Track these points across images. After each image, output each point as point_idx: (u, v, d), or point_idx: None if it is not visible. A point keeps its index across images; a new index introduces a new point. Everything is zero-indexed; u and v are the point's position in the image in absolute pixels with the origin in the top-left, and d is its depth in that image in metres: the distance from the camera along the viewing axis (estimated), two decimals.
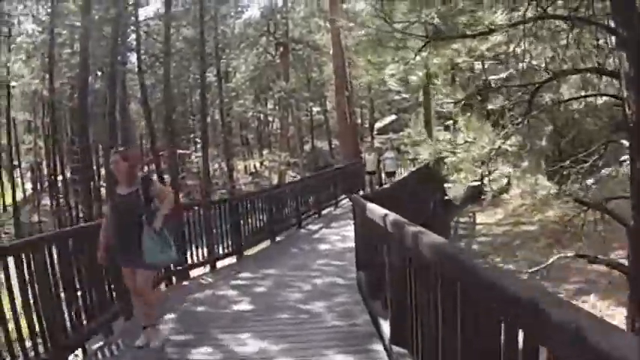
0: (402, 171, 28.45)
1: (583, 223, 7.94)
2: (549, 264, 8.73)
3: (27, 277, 5.52)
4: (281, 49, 42.87)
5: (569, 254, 8.65)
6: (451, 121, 40.42)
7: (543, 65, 7.49)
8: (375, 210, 6.36)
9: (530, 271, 8.77)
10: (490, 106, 7.44)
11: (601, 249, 13.32)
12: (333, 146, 49.23)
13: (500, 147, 6.82)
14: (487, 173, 7.40)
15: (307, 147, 48.79)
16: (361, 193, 22.14)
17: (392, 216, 5.22)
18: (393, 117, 51.19)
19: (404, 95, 50.97)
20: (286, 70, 42.50)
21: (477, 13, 6.27)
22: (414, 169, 20.14)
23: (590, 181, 8.30)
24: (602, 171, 9.52)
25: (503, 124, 7.00)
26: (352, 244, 11.83)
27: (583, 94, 7.42)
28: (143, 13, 55.94)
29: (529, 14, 6.19)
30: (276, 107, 46.41)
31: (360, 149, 35.90)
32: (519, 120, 6.87)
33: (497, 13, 6.06)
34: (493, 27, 6.15)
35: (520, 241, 16.86)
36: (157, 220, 6.16)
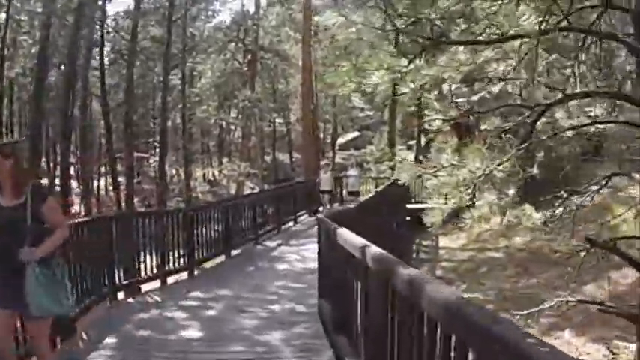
0: (364, 189, 28.08)
1: (582, 262, 7.28)
2: (545, 308, 8.05)
3: None
4: (249, 56, 42.16)
5: (570, 298, 7.98)
6: (414, 141, 40.34)
7: (545, 83, 6.88)
8: (350, 238, 5.61)
9: (522, 313, 8.09)
10: (484, 127, 6.76)
11: (572, 279, 12.91)
12: (293, 159, 48.70)
13: (490, 172, 6.14)
14: (470, 200, 6.70)
15: (268, 158, 48.20)
16: (321, 210, 21.48)
17: (373, 249, 4.47)
18: (356, 133, 51.06)
19: (368, 112, 51.00)
20: (252, 79, 41.83)
21: (496, 16, 5.56)
22: (379, 189, 19.64)
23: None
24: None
25: (500, 148, 6.33)
26: (312, 265, 11.09)
27: (583, 120, 6.80)
28: (112, 8, 55.09)
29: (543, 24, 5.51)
30: (239, 116, 45.62)
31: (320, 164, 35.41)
32: (518, 144, 6.21)
33: (524, 17, 5.35)
34: (515, 34, 5.47)
35: (486, 268, 16.39)
36: (42, 247, 4.50)
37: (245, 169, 38.62)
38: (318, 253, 8.84)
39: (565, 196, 7.07)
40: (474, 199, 6.87)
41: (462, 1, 5.53)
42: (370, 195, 17.88)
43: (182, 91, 37.17)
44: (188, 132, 41.48)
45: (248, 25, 42.44)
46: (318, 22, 34.44)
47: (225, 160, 47.91)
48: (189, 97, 40.25)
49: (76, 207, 33.81)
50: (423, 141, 42.10)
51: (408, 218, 21.55)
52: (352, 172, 24.44)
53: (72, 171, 34.92)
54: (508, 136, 6.45)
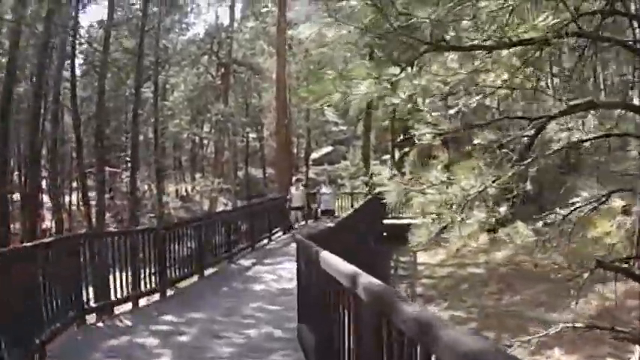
0: (339, 204, 27.69)
1: (583, 283, 6.95)
2: (550, 334, 7.71)
3: None
4: (222, 69, 41.68)
5: (577, 325, 7.64)
6: (388, 156, 40.16)
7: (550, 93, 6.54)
8: (335, 263, 5.19)
9: (524, 339, 7.76)
10: (477, 141, 6.39)
11: (560, 296, 12.66)
12: (267, 174, 48.28)
13: (485, 189, 5.78)
14: (460, 219, 6.33)
15: (240, 174, 47.67)
16: (296, 227, 21.00)
17: (366, 279, 4.03)
18: (330, 148, 50.86)
19: (341, 127, 50.83)
20: (226, 92, 41.36)
21: (500, 17, 5.17)
22: (356, 206, 19.33)
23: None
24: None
25: (497, 163, 5.97)
26: (289, 286, 10.77)
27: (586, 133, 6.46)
28: (86, 19, 54.45)
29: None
30: (212, 130, 45.06)
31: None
32: (516, 159, 5.85)
33: (540, 18, 4.97)
34: (521, 39, 5.11)
35: (467, 284, 16.12)
36: None
37: (218, 185, 38.05)
38: (297, 275, 8.45)
39: (561, 211, 6.73)
40: (464, 218, 6.51)
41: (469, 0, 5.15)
42: (348, 213, 17.45)
43: (154, 105, 36.51)
44: (160, 146, 40.84)
45: (222, 38, 41.97)
46: (292, 35, 34.32)
47: (198, 175, 47.22)
48: (161, 110, 39.66)
49: (47, 222, 33.11)
50: (397, 155, 42.17)
51: (384, 234, 21.25)
52: (325, 189, 23.74)
53: (43, 185, 34.05)
54: (504, 150, 6.09)
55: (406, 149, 41.59)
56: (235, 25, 44.55)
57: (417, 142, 6.86)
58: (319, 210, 23.49)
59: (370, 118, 39.40)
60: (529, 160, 5.95)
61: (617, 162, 16.86)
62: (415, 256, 20.38)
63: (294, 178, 22.92)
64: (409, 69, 5.30)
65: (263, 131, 49.02)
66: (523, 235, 7.04)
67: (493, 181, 5.75)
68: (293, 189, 21.62)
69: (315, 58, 40.73)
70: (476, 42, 5.47)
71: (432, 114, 5.95)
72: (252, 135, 50.21)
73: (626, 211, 14.40)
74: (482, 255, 17.84)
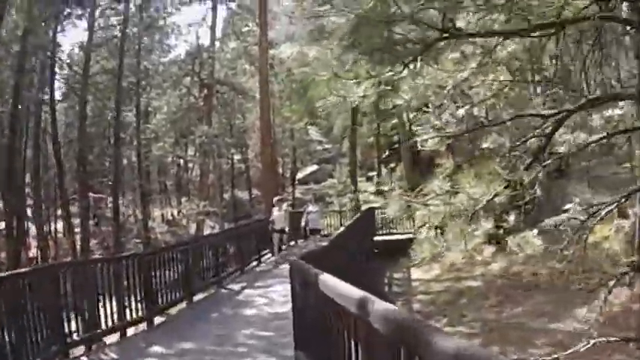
0: (327, 222, 27.42)
1: (609, 291, 6.51)
2: (581, 349, 7.24)
3: None
4: (205, 90, 41.20)
5: (611, 338, 7.19)
6: (375, 172, 39.97)
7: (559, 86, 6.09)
8: (339, 287, 4.71)
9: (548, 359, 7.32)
10: (486, 144, 5.94)
11: (562, 305, 12.32)
12: (253, 195, 47.89)
13: (496, 196, 5.32)
14: (467, 230, 5.88)
15: (226, 196, 47.22)
16: (283, 248, 20.54)
17: (380, 305, 3.54)
18: (315, 167, 50.67)
19: (326, 145, 50.65)
20: (209, 114, 40.91)
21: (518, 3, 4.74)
22: (347, 224, 18.99)
23: None
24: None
25: (512, 167, 5.51)
26: (282, 310, 10.35)
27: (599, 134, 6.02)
28: (67, 42, 53.95)
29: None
30: (197, 153, 44.57)
31: None
32: (529, 161, 5.39)
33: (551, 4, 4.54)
34: (539, 23, 4.67)
35: (466, 298, 15.72)
36: None
37: (204, 208, 37.53)
38: (292, 298, 7.94)
39: (578, 216, 6.26)
40: (472, 229, 6.06)
41: None
42: (339, 231, 16.97)
43: (137, 127, 36.06)
44: (145, 170, 40.38)
45: (203, 58, 41.54)
46: (274, 55, 34.11)
47: (183, 199, 46.65)
48: (144, 132, 39.25)
49: (34, 250, 32.40)
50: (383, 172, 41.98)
51: (376, 250, 20.97)
52: (312, 208, 23.25)
53: (29, 212, 33.35)
54: (515, 153, 5.63)
55: (392, 165, 41.54)
56: (217, 44, 44.27)
57: (419, 148, 6.36)
58: (307, 229, 23.05)
59: (355, 135, 39.29)
60: (548, 161, 5.48)
61: (603, 166, 16.64)
62: (409, 272, 20.06)
63: (275, 199, 22.13)
64: (411, 66, 4.84)
65: (248, 152, 48.69)
66: (534, 245, 6.59)
67: (505, 187, 5.28)
68: (275, 210, 20.64)
69: (297, 77, 40.67)
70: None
71: (439, 115, 5.48)
72: (236, 157, 49.84)
73: (623, 215, 14.09)
74: (479, 267, 17.45)
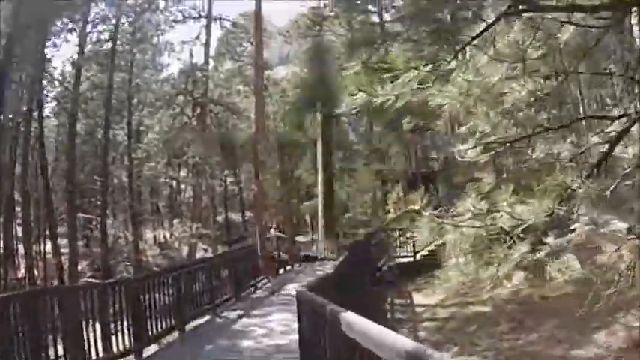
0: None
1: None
2: None
3: None
4: (198, 109, 40.36)
5: None
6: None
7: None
8: (372, 331, 3.81)
9: None
10: (536, 154, 5.11)
11: (579, 330, 11.58)
12: (246, 218, 47.13)
13: (552, 214, 4.48)
14: (503, 255, 5.06)
15: (220, 218, 46.47)
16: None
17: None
18: None
19: None
20: (202, 134, 40.07)
21: None
22: (349, 248, 18.44)
23: None
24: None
25: (571, 180, 4.67)
26: (282, 341, 9.95)
27: None
28: (58, 58, 53.28)
29: None
30: (190, 174, 43.80)
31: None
32: (589, 170, 4.56)
33: None
34: None
35: (475, 325, 14.78)
36: None
37: (197, 230, 36.70)
38: (299, 332, 7.07)
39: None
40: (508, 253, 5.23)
41: None
42: (341, 259, 16.22)
43: (128, 146, 35.33)
44: (136, 191, 39.63)
45: (197, 77, 40.76)
46: (269, 75, 33.56)
47: (176, 220, 45.75)
48: (135, 151, 38.53)
49: (23, 271, 31.51)
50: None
51: (377, 274, 20.52)
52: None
53: (19, 232, 32.46)
54: (571, 163, 4.79)
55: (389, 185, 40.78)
56: (211, 63, 43.57)
57: (459, 159, 5.50)
58: (302, 254, 23.10)
59: None
60: (624, 172, 4.63)
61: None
62: (411, 296, 19.28)
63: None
64: (460, 55, 3.99)
65: (241, 174, 48.01)
66: (574, 268, 5.79)
67: (559, 202, 4.43)
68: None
69: (291, 99, 40.13)
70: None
71: (490, 116, 4.63)
72: (229, 179, 49.09)
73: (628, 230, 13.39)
74: (486, 291, 16.56)
